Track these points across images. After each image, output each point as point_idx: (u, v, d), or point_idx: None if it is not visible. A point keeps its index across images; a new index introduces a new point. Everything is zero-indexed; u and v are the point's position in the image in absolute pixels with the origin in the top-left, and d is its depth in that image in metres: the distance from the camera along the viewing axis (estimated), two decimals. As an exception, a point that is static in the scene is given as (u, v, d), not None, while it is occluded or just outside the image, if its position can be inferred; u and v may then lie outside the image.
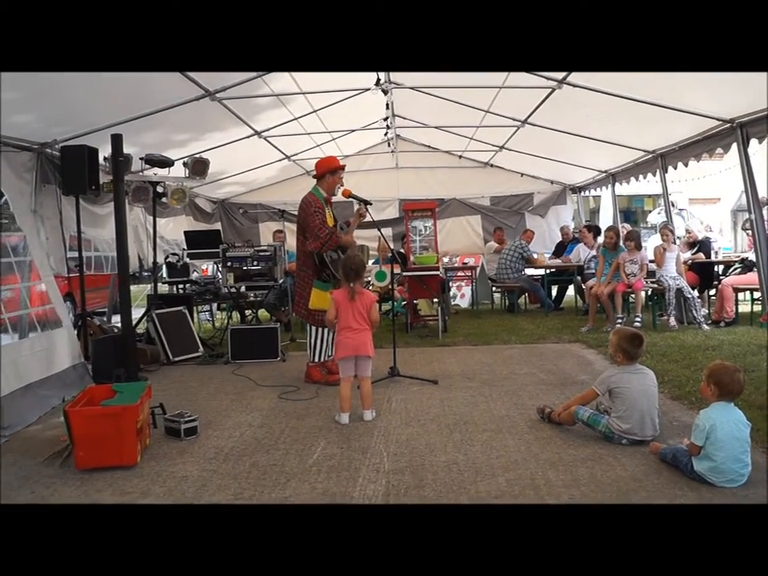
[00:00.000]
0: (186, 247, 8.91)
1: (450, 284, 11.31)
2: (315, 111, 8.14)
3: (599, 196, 16.11)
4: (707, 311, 8.66)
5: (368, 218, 5.81)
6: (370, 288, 9.38)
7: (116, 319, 6.95)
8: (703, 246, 9.30)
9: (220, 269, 7.69)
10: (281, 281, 7.41)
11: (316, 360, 5.72)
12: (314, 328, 5.70)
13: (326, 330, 5.66)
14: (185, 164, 7.25)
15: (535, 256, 10.59)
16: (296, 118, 8.18)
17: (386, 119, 8.96)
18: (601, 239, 9.83)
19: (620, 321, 7.72)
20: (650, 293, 8.49)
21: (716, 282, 8.98)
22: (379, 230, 6.09)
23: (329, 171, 5.64)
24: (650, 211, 20.35)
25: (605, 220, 16.81)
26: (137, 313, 7.35)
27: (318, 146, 10.02)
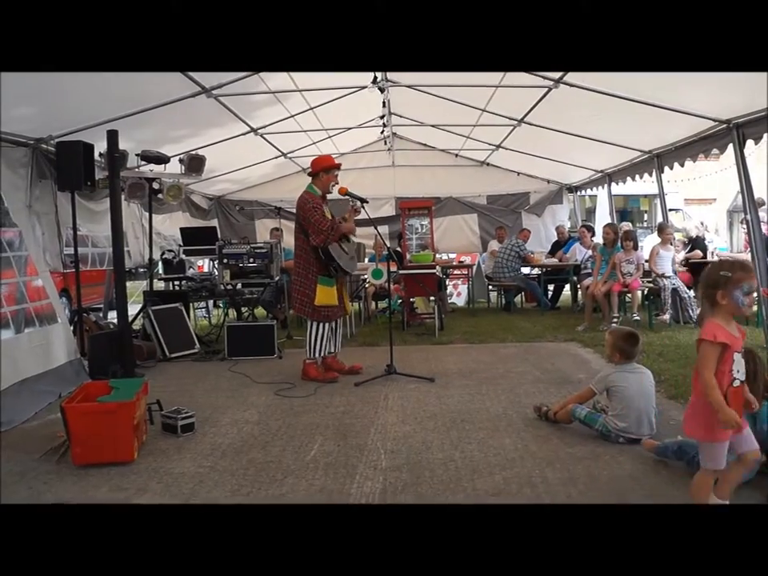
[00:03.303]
0: (182, 243, 8.90)
1: (447, 282, 11.31)
2: (312, 108, 8.13)
3: (595, 195, 16.12)
4: (702, 311, 8.66)
5: (364, 216, 5.81)
6: (366, 285, 9.40)
7: (112, 315, 6.93)
8: (698, 243, 9.31)
9: (216, 265, 7.68)
10: (277, 278, 7.40)
11: (315, 356, 5.71)
12: (313, 324, 5.66)
13: (325, 326, 5.65)
14: (181, 161, 7.23)
15: (532, 255, 10.61)
16: (292, 116, 8.17)
17: (382, 117, 8.95)
18: (596, 238, 9.88)
19: (615, 320, 7.74)
20: (646, 292, 8.50)
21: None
22: (376, 227, 6.08)
23: (323, 169, 5.65)
24: (646, 211, 20.35)
25: (601, 220, 16.82)
26: (133, 309, 7.34)
27: (315, 143, 10.00)
